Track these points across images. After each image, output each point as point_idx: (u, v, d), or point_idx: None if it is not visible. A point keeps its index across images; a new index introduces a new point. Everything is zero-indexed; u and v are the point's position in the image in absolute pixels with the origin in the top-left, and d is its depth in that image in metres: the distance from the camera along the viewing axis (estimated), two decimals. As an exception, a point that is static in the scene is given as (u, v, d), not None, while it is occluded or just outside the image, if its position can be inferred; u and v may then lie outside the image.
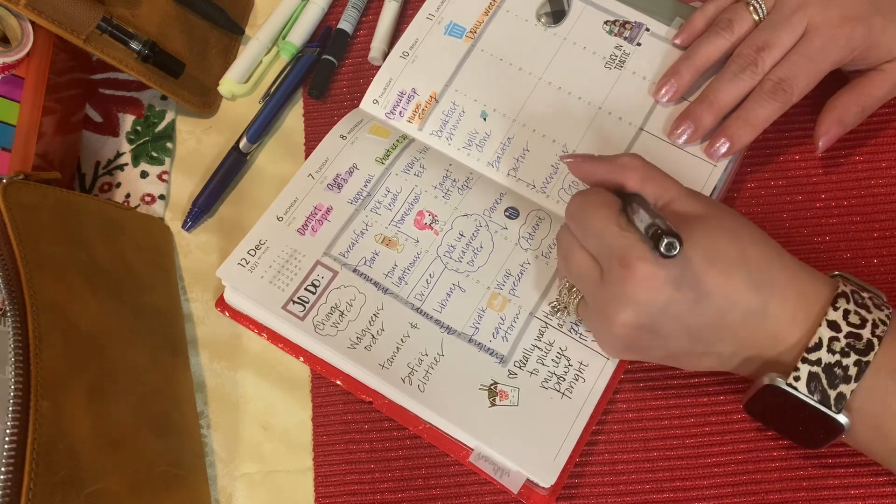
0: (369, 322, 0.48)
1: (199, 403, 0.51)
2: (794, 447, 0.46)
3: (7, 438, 0.37)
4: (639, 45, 0.53)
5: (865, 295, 0.40)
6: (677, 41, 0.52)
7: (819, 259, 0.50)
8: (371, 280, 0.49)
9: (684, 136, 0.50)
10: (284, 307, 0.48)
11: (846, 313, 0.39)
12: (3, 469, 0.37)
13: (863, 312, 0.39)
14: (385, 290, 0.48)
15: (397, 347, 0.47)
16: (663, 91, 0.51)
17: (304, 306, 0.48)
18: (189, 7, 0.56)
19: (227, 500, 0.49)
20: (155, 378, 0.48)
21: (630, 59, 0.53)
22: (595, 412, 0.46)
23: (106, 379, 0.44)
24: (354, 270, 0.49)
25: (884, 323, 0.39)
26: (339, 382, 0.49)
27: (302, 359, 0.49)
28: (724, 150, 0.49)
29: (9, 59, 0.49)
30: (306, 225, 0.50)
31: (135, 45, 0.52)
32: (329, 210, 0.50)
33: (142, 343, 0.48)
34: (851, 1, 0.47)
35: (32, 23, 0.50)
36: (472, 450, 0.46)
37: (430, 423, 0.47)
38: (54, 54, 0.51)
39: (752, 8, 0.49)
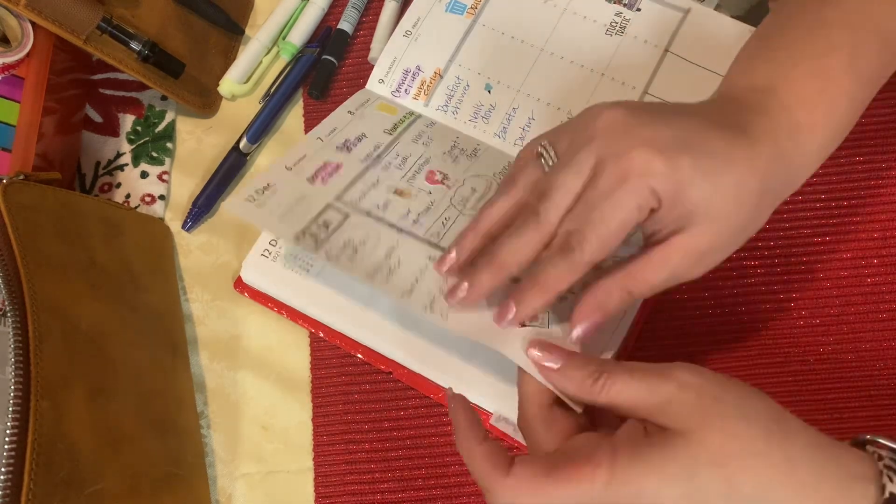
0: (385, 256, 0.44)
1: (199, 403, 0.51)
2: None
3: (7, 438, 0.37)
4: (639, 10, 0.54)
5: None
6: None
7: (819, 259, 0.50)
8: (385, 221, 0.46)
9: (458, 296, 0.40)
10: (296, 237, 0.44)
11: None
12: (3, 469, 0.37)
13: None
14: (400, 230, 0.45)
15: (416, 279, 0.43)
16: (458, 294, 0.40)
17: (315, 240, 0.44)
18: (189, 7, 0.56)
19: (227, 500, 0.49)
20: (155, 378, 0.48)
21: (630, 24, 0.53)
22: (625, 344, 0.46)
23: (106, 379, 0.44)
24: (367, 214, 0.46)
25: None
26: (359, 355, 0.49)
27: (322, 333, 0.50)
28: (509, 316, 0.39)
29: (9, 60, 0.49)
30: (316, 176, 0.48)
31: (135, 46, 0.52)
32: (339, 166, 0.49)
33: (142, 343, 0.48)
34: (651, 130, 0.36)
35: (32, 23, 0.50)
36: (492, 413, 0.46)
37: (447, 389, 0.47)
38: (54, 54, 0.51)
39: (542, 159, 0.39)
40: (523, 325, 0.41)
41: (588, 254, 0.37)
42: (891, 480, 0.32)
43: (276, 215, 0.45)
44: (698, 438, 0.33)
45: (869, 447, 0.34)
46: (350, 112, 0.53)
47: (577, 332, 0.38)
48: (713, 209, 0.36)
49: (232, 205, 0.46)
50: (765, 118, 0.38)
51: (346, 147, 0.50)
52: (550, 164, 0.39)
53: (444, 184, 0.49)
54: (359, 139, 0.51)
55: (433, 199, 0.48)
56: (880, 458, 0.33)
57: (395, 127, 0.52)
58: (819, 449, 0.33)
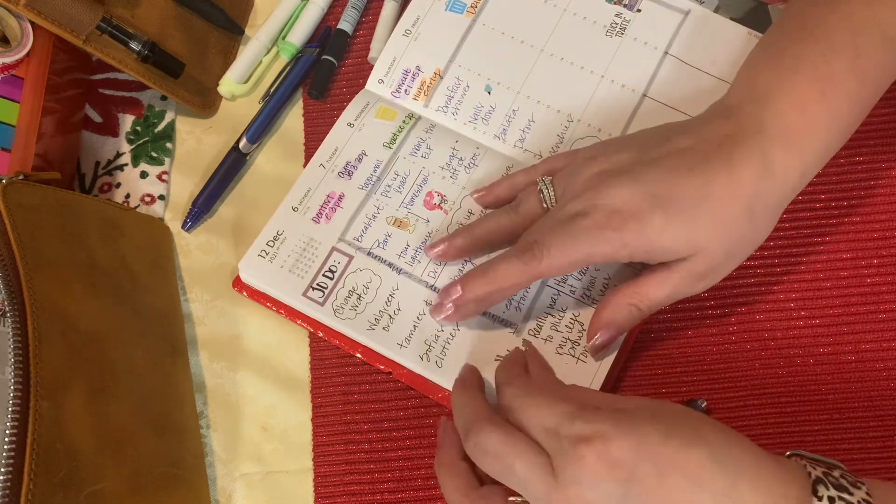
0: (386, 303, 0.48)
1: (199, 403, 0.51)
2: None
3: (7, 439, 0.37)
4: (639, 11, 0.54)
5: (836, 474, 0.35)
6: (475, 196, 0.51)
7: (819, 259, 0.50)
8: (385, 261, 0.49)
9: (435, 251, 0.48)
10: (304, 294, 0.49)
11: (831, 501, 0.34)
12: (2, 469, 0.37)
13: (846, 497, 0.34)
14: (399, 271, 0.49)
15: (414, 326, 0.48)
16: (435, 250, 0.48)
17: (322, 292, 0.49)
18: (189, 7, 0.56)
19: (226, 500, 0.49)
20: (155, 378, 0.48)
21: (631, 25, 0.53)
22: (610, 375, 0.46)
23: (106, 379, 0.44)
24: (369, 253, 0.50)
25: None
26: (358, 355, 0.49)
27: (321, 333, 0.50)
28: (454, 295, 0.44)
29: (9, 60, 0.49)
30: (321, 213, 0.51)
31: (134, 46, 0.52)
32: (341, 197, 0.51)
33: (141, 343, 0.48)
34: (628, 193, 0.41)
35: (32, 23, 0.50)
36: None
37: (449, 391, 0.47)
38: (54, 54, 0.51)
39: (542, 195, 0.46)
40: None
41: (545, 266, 0.41)
42: (823, 479, 0.35)
43: (287, 269, 0.50)
44: (656, 404, 0.37)
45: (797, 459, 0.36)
46: (350, 124, 0.53)
47: (597, 340, 0.44)
48: (697, 242, 0.41)
49: (246, 265, 0.50)
50: (755, 136, 0.41)
51: (348, 172, 0.52)
52: (548, 204, 0.45)
53: (441, 208, 0.50)
54: (359, 160, 0.52)
55: (431, 229, 0.50)
56: (811, 464, 0.36)
57: (393, 138, 0.53)
58: (753, 443, 0.36)
